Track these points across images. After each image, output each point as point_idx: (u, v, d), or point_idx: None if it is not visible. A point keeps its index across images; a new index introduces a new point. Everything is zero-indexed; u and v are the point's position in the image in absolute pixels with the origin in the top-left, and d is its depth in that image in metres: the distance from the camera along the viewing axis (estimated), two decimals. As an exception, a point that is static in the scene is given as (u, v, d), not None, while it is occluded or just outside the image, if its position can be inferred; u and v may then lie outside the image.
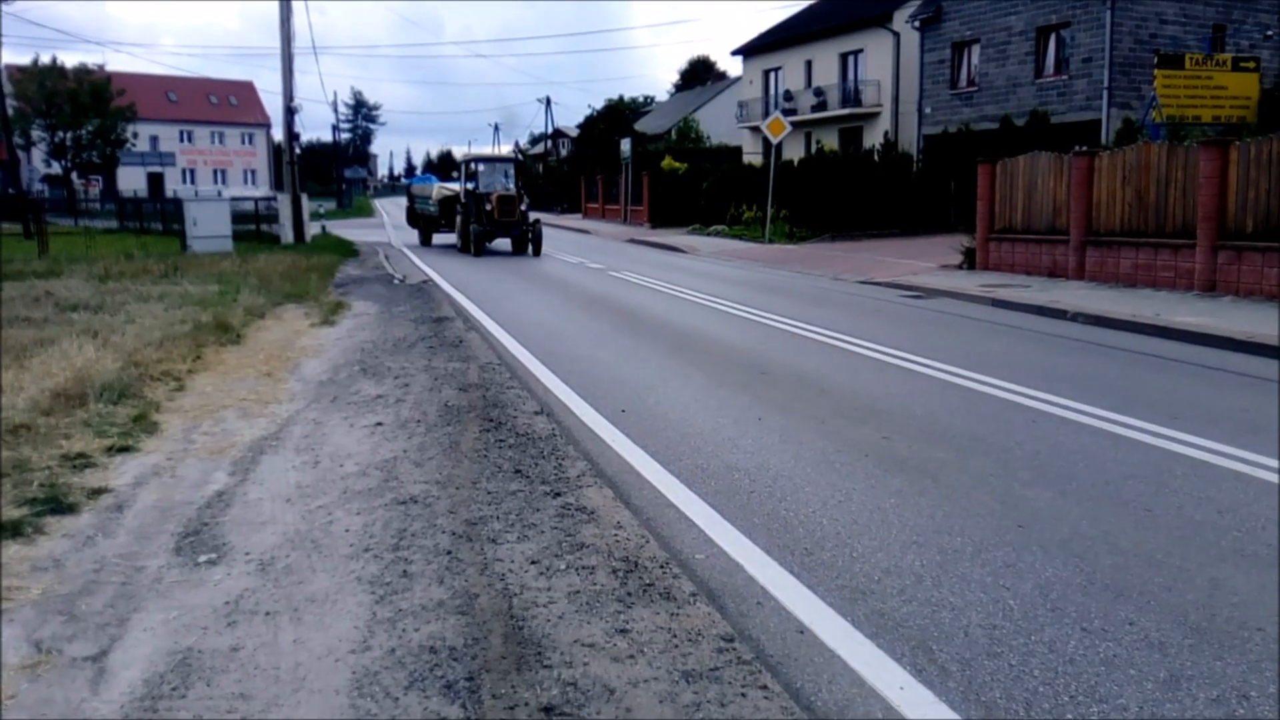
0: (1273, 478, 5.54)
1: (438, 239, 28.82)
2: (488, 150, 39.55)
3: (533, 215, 25.24)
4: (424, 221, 29.34)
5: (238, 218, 27.20)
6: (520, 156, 28.48)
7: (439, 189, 28.53)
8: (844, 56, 37.92)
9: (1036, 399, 7.59)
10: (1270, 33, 27.18)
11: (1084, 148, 16.23)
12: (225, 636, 3.63)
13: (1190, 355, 9.69)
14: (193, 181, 75.39)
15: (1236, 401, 7.65)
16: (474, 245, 23.93)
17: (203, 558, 4.44)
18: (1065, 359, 9.66)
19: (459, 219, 25.14)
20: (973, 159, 18.77)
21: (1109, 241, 15.04)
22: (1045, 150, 16.91)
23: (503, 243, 25.64)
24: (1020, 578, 4.20)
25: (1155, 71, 17.57)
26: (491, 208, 23.99)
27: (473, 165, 25.79)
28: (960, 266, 18.09)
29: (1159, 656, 3.51)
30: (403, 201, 39.32)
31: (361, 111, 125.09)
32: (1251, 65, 18.05)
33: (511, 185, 25.28)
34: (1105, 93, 25.90)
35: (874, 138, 33.78)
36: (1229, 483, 5.49)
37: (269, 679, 3.31)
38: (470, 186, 25.05)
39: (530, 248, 24.19)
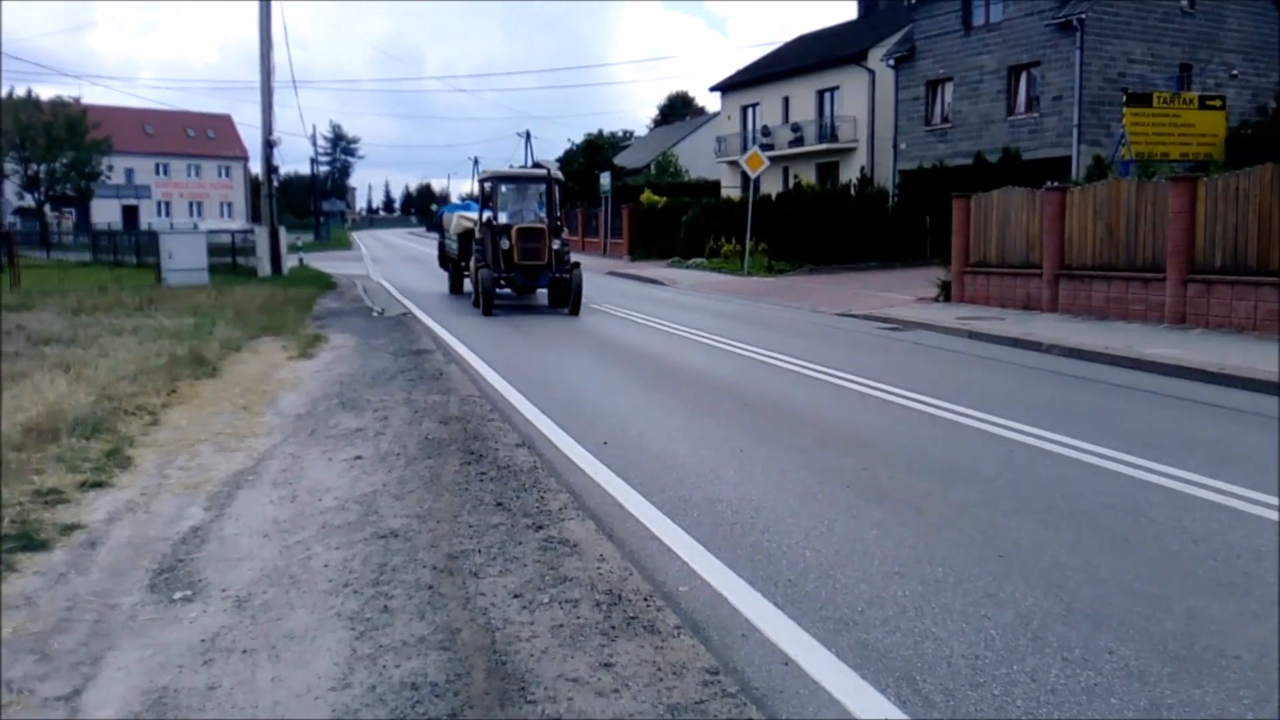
0: (1248, 508, 5.60)
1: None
2: (513, 168, 28.48)
3: (573, 255, 18.40)
4: (452, 262, 22.62)
5: (214, 250, 27.07)
6: (559, 176, 19.85)
7: (458, 219, 21.46)
8: (820, 93, 38.45)
9: (1015, 430, 7.65)
10: (1236, 72, 27.86)
11: (1055, 183, 16.50)
12: (202, 675, 3.58)
13: (1162, 386, 9.81)
14: (168, 214, 75.12)
15: (1209, 433, 7.74)
16: (482, 299, 17.15)
17: (178, 595, 4.37)
18: (1042, 390, 9.75)
19: (473, 260, 18.34)
20: (947, 194, 19.03)
21: (1081, 275, 15.25)
22: (1018, 186, 17.18)
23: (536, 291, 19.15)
24: (1001, 607, 4.21)
25: (1124, 109, 17.94)
26: (510, 246, 17.09)
27: (489, 186, 18.61)
28: (936, 299, 18.27)
29: (1139, 685, 3.53)
30: (384, 235, 38.29)
31: (340, 145, 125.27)
32: (1218, 104, 18.46)
33: (543, 214, 18.48)
34: (1075, 130, 26.39)
35: (850, 173, 34.19)
36: (1203, 512, 5.55)
37: (247, 718, 3.26)
38: (488, 216, 18.12)
39: (570, 302, 17.23)
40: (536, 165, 22.61)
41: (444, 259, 24.16)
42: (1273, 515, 5.44)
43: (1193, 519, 5.41)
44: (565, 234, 18.99)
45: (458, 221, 21.39)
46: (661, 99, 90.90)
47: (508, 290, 18.00)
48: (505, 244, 17.15)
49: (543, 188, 18.97)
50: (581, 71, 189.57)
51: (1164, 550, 4.93)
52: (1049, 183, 16.51)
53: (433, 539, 4.96)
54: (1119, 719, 3.29)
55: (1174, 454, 6.80)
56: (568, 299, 17.26)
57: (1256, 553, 4.85)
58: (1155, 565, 4.72)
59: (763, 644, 3.84)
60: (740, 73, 44.97)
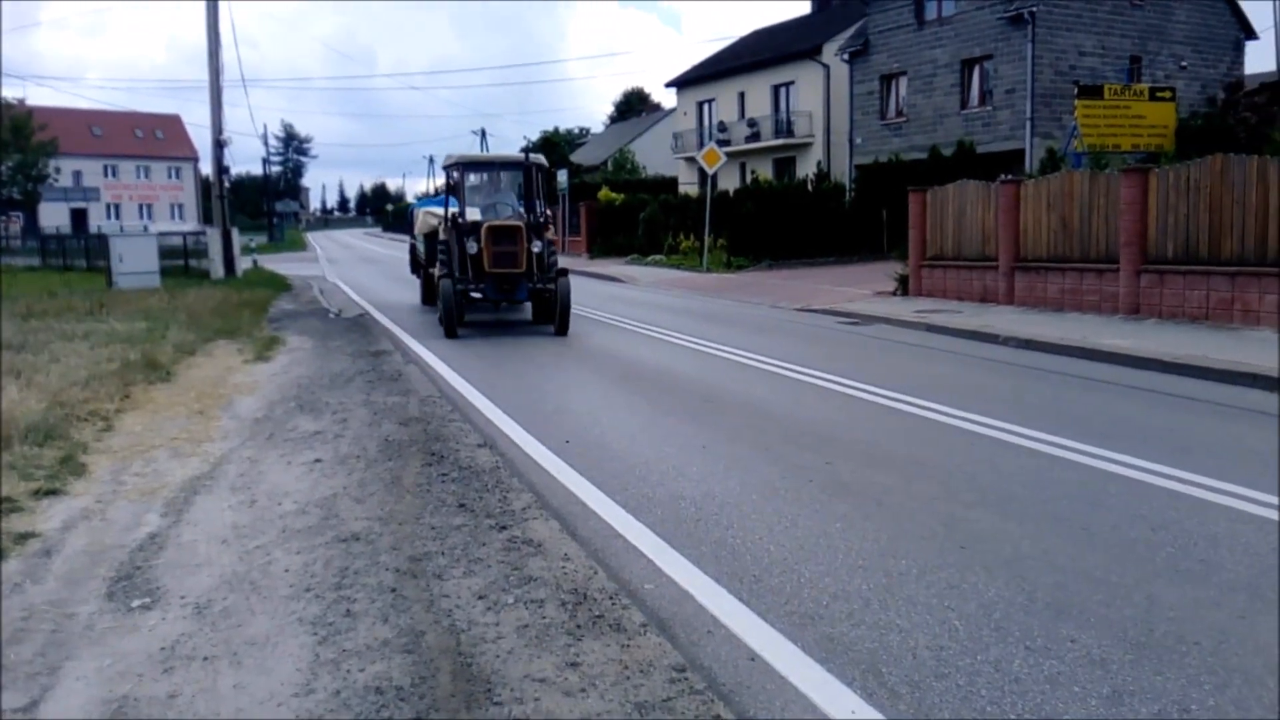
0: (1206, 495, 5.71)
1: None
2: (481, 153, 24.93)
3: (560, 259, 15.41)
4: (422, 268, 19.32)
5: (165, 253, 26.55)
6: (542, 162, 15.94)
7: (424, 216, 17.99)
8: (776, 88, 38.63)
9: (974, 422, 7.73)
10: (1185, 64, 28.41)
11: (1008, 176, 16.72)
12: (162, 683, 3.51)
13: (1117, 376, 9.98)
14: (117, 217, 73.57)
15: (1164, 421, 7.89)
16: (443, 317, 13.95)
17: (136, 603, 4.28)
18: (1000, 382, 9.88)
19: (437, 267, 15.32)
20: (903, 188, 19.21)
21: (1037, 267, 15.47)
22: (973, 179, 17.38)
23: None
24: (964, 598, 4.25)
25: (1076, 101, 18.24)
26: (479, 249, 13.81)
27: (455, 175, 15.27)
28: (895, 293, 18.44)
29: (1101, 673, 3.58)
30: (339, 236, 37.39)
31: (292, 144, 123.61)
32: (1168, 95, 18.84)
33: (519, 209, 15.20)
34: (1028, 123, 26.77)
35: (807, 167, 34.40)
36: (1161, 500, 5.65)
37: (208, 727, 3.20)
38: (454, 211, 14.80)
39: (556, 319, 14.06)
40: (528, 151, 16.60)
41: (415, 264, 20.87)
42: (1228, 502, 5.55)
43: (1150, 508, 5.50)
44: (552, 234, 15.57)
45: (423, 219, 17.87)
46: (618, 95, 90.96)
47: (483, 301, 14.48)
48: (474, 247, 13.75)
49: (520, 176, 15.82)
50: (536, 68, 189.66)
51: (1123, 539, 5.01)
52: (1003, 176, 16.73)
53: (395, 541, 4.90)
54: (1083, 707, 3.33)
55: (1131, 444, 6.91)
56: (553, 314, 14.00)
57: (1213, 540, 4.94)
58: (1114, 554, 4.79)
59: (729, 640, 3.84)
60: (695, 68, 45.04)
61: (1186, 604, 4.19)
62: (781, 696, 3.39)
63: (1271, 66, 27.19)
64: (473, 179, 15.95)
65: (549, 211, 16.01)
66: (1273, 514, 5.30)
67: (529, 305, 15.33)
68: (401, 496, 5.70)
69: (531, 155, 15.69)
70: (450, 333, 13.70)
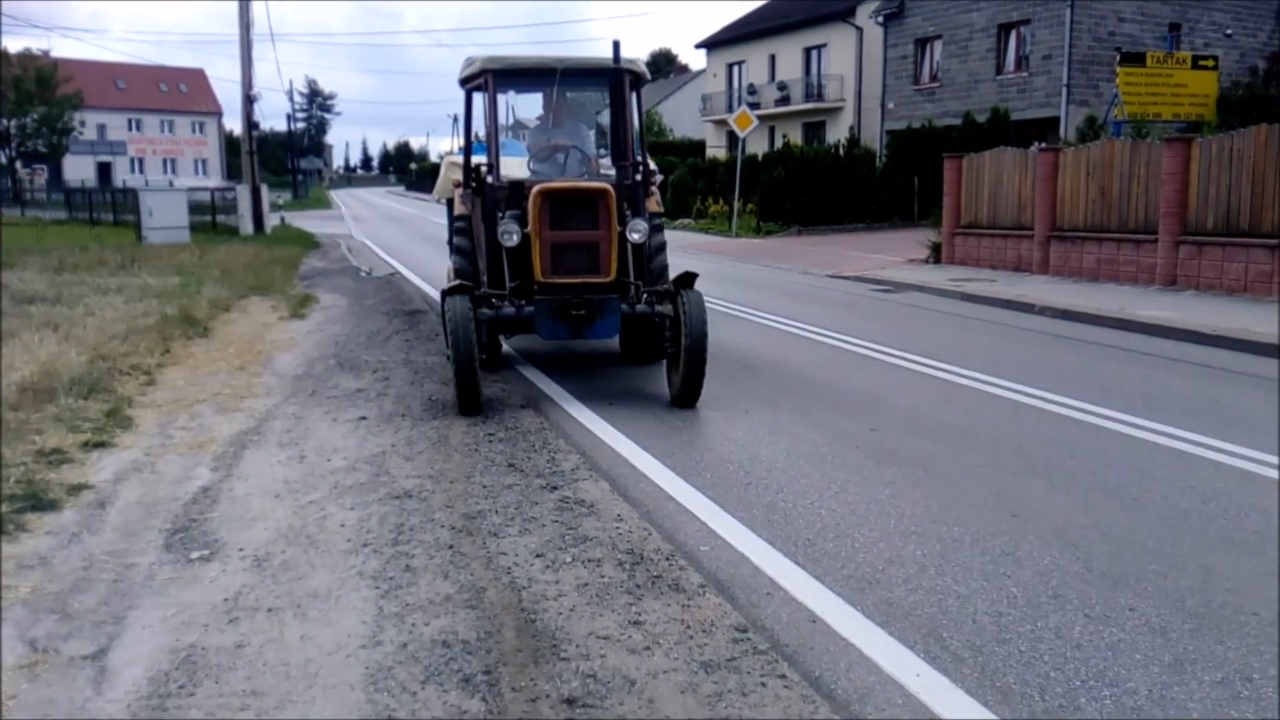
0: (1253, 468, 5.66)
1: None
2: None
3: (665, 257, 8.69)
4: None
5: (193, 208, 26.67)
6: (642, 72, 8.04)
7: (448, 167, 10.71)
8: (807, 51, 38.09)
9: (1015, 391, 7.69)
10: (1230, 31, 27.78)
11: (1043, 144, 16.47)
12: (228, 633, 3.56)
13: (1156, 348, 9.87)
14: (141, 171, 73.78)
15: (1207, 393, 7.81)
16: (456, 375, 6.75)
17: (195, 554, 4.34)
18: (1037, 352, 9.80)
19: (449, 265, 9.49)
20: (936, 155, 18.99)
21: (1073, 236, 15.28)
22: (1008, 146, 17.13)
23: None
24: (1020, 566, 4.25)
25: (1118, 69, 17.89)
26: (521, 237, 7.26)
27: (482, 93, 8.47)
28: (927, 260, 18.28)
29: (1162, 641, 3.57)
30: (362, 195, 36.75)
31: (316, 101, 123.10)
32: (1210, 64, 18.46)
33: (606, 158, 8.92)
34: (1065, 90, 26.29)
35: (838, 132, 33.99)
36: (1209, 471, 5.61)
37: (279, 675, 3.25)
38: (479, 164, 8.23)
39: (679, 380, 7.16)
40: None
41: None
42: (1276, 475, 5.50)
43: (1199, 479, 5.46)
44: (657, 203, 8.61)
45: (445, 173, 10.69)
46: (644, 56, 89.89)
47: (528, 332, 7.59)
48: (513, 234, 7.25)
49: (604, 100, 9.19)
50: (563, 27, 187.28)
51: (1174, 509, 4.98)
52: (1038, 144, 16.48)
53: (448, 499, 4.94)
54: (1145, 674, 3.33)
55: (1175, 415, 6.85)
56: (666, 358, 7.58)
57: (1265, 513, 4.91)
58: (1166, 524, 4.77)
59: (788, 602, 3.86)
60: (725, 29, 44.44)
61: (1243, 575, 4.17)
62: (845, 658, 3.41)
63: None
64: (514, 100, 9.38)
65: (653, 164, 8.77)
66: (1326, 489, 5.25)
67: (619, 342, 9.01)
68: (450, 455, 5.74)
69: (626, 59, 8.02)
70: (468, 406, 6.78)
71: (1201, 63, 18.42)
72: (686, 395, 7.10)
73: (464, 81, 8.60)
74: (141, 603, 3.85)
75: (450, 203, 9.70)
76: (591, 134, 9.19)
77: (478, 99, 8.73)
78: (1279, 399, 7.40)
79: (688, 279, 7.32)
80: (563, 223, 7.11)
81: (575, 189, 7.22)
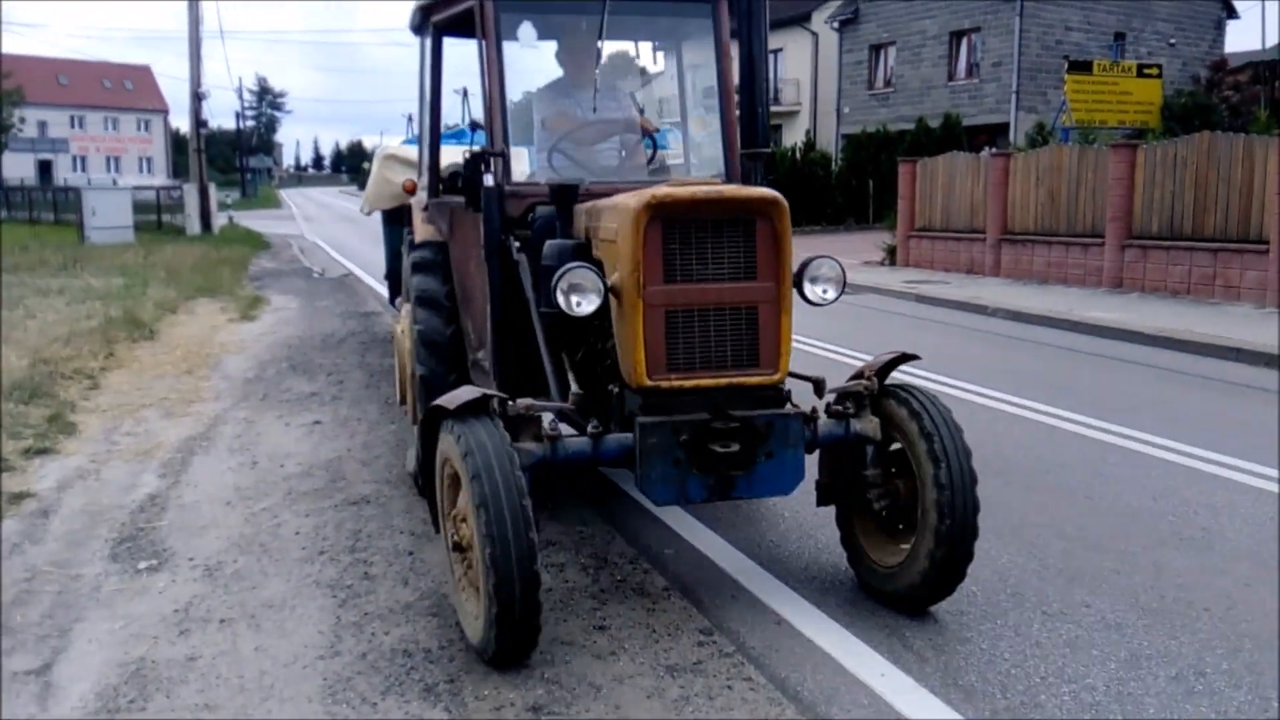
0: (1200, 465, 5.78)
1: None
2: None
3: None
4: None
5: (138, 208, 26.12)
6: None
7: (382, 164, 8.74)
8: (762, 55, 38.30)
9: (969, 391, 7.78)
10: (1173, 41, 28.49)
11: (993, 149, 16.74)
12: (180, 646, 3.46)
13: (1104, 349, 10.06)
14: (84, 169, 71.94)
15: (1154, 393, 7.97)
16: (487, 545, 3.05)
17: (143, 564, 4.23)
18: (991, 352, 9.94)
19: (411, 360, 5.05)
20: (891, 158, 19.22)
21: (1023, 240, 15.53)
22: (959, 151, 17.38)
23: None
24: (978, 565, 4.23)
25: (1065, 76, 18.25)
26: (605, 290, 3.53)
27: (446, 34, 5.01)
28: (883, 263, 18.47)
29: (1118, 637, 3.62)
30: (314, 194, 35.88)
31: (266, 98, 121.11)
32: (1155, 72, 18.90)
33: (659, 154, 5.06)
34: (1014, 96, 26.79)
35: (794, 136, 34.23)
36: (1159, 469, 5.71)
37: (233, 689, 3.17)
38: (472, 153, 4.26)
39: (930, 567, 3.58)
40: None
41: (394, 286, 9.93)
42: (1224, 474, 5.62)
43: (1148, 476, 5.57)
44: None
45: (380, 171, 8.80)
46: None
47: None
48: (588, 294, 3.57)
49: (713, 36, 4.85)
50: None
51: (1125, 507, 5.06)
52: (989, 149, 16.75)
53: (407, 505, 4.87)
54: (1103, 670, 3.38)
55: (1124, 414, 6.98)
56: (897, 528, 3.93)
57: (1213, 509, 5.01)
58: (1119, 522, 4.85)
59: (753, 604, 3.85)
60: (681, 33, 44.54)
61: (1193, 571, 4.25)
62: (811, 660, 3.41)
63: (1251, 45, 27.34)
64: (530, 41, 4.58)
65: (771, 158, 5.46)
66: (1270, 485, 5.37)
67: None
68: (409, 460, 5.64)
69: None
70: (513, 652, 3.24)
71: (1146, 71, 18.86)
72: (938, 589, 3.71)
73: (424, 12, 5.13)
74: (88, 615, 3.74)
75: (390, 215, 6.85)
76: (631, 105, 5.21)
77: (451, 48, 5.16)
78: (1279, 410, 7.51)
79: (900, 361, 4.32)
80: (693, 268, 3.54)
81: (721, 198, 3.56)
